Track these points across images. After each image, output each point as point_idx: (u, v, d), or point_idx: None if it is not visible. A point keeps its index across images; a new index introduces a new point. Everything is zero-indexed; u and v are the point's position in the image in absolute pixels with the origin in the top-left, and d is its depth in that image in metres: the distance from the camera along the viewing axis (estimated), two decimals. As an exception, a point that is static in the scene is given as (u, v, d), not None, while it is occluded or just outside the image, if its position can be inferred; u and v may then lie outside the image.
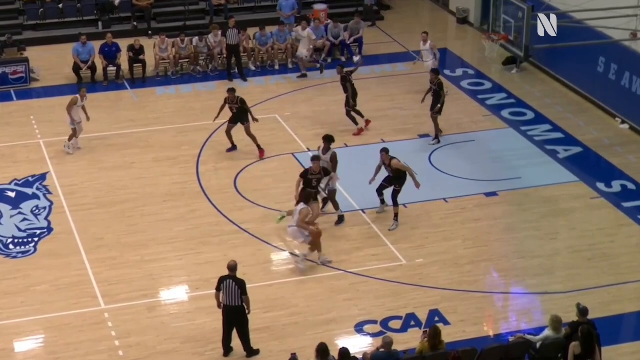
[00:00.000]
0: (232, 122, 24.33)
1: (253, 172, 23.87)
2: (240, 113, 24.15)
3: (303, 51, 29.18)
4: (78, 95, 23.57)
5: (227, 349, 17.63)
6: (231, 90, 24.16)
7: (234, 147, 24.60)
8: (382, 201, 21.94)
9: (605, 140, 25.61)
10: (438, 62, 28.13)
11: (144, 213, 22.11)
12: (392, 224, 21.46)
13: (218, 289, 17.27)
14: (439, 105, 24.76)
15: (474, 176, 23.52)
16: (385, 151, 21.54)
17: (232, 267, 17.26)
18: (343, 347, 16.13)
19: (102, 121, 26.33)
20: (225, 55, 29.09)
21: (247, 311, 17.30)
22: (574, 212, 22.32)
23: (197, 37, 29.27)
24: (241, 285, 17.15)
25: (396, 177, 21.43)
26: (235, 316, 17.30)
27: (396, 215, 21.47)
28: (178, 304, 19.27)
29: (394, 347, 16.32)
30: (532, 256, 20.75)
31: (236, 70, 28.94)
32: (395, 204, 21.43)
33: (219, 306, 17.37)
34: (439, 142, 25.17)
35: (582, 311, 16.60)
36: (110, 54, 28.71)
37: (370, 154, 24.52)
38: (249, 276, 19.83)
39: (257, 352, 17.65)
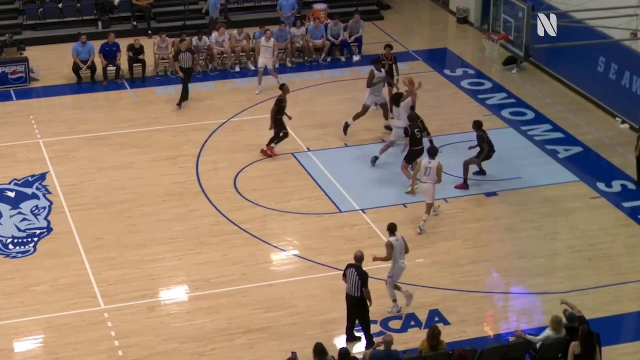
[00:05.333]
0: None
1: (253, 172, 23.84)
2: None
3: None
4: None
5: (351, 337, 17.78)
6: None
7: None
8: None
9: (606, 140, 25.58)
10: (277, 60, 28.28)
11: (143, 213, 22.08)
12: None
13: (344, 275, 17.52)
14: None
15: (474, 176, 23.46)
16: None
17: (359, 258, 17.45)
18: (343, 347, 16.11)
19: (101, 121, 26.31)
20: (183, 76, 27.09)
21: (368, 303, 17.47)
22: (574, 212, 22.30)
23: (196, 37, 29.23)
24: (363, 277, 17.31)
25: None
26: (355, 307, 17.52)
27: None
28: (177, 304, 19.24)
29: (393, 347, 16.29)
30: (532, 256, 20.73)
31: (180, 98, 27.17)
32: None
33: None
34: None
35: (569, 318, 16.59)
36: (110, 53, 28.66)
37: (371, 154, 24.50)
38: (248, 276, 19.88)
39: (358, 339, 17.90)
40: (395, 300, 18.66)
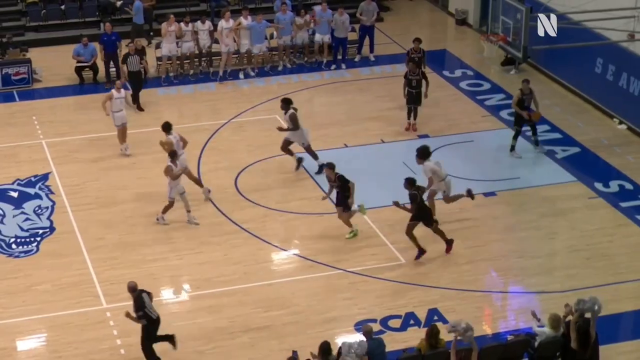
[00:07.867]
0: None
1: (253, 172, 23.96)
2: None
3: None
4: None
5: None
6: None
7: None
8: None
9: (604, 140, 25.70)
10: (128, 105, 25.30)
11: (144, 213, 22.21)
12: None
13: (144, 314, 16.93)
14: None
15: (473, 176, 23.59)
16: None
17: (133, 288, 17.05)
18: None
19: (103, 121, 26.37)
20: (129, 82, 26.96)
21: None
22: (572, 212, 22.42)
23: (198, 21, 29.25)
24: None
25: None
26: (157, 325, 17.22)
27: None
28: (179, 303, 19.37)
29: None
30: (530, 256, 20.84)
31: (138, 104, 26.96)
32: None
33: (146, 321, 17.01)
34: None
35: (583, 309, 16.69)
36: (110, 43, 28.38)
37: (370, 154, 24.67)
38: (249, 276, 20.00)
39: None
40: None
